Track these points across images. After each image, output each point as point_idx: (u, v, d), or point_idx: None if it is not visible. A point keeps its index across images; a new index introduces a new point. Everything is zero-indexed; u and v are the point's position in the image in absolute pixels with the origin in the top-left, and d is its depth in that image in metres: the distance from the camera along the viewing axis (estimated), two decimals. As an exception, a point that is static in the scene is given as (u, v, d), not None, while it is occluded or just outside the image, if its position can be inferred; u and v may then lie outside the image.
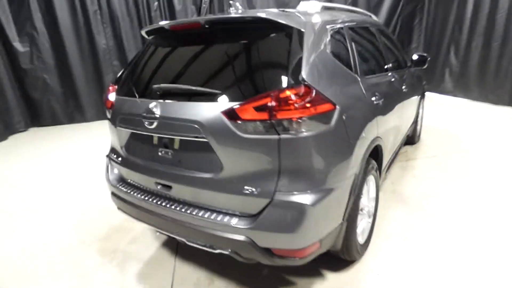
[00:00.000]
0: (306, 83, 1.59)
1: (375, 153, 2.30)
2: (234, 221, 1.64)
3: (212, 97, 1.65)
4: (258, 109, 1.51)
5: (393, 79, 2.80)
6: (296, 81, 1.58)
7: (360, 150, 1.89)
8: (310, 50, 1.73)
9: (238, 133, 1.55)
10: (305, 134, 1.54)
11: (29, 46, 6.00)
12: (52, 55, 6.14)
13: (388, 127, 2.51)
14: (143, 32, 2.20)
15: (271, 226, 1.57)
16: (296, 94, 1.53)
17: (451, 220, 2.64)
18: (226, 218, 1.67)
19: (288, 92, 1.52)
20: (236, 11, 2.20)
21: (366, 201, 2.21)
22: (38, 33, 5.96)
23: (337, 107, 1.70)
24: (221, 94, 1.64)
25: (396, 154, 3.27)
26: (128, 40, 6.35)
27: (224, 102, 1.60)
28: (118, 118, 2.05)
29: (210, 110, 1.61)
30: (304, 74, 1.61)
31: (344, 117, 1.74)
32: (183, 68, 1.87)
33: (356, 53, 2.21)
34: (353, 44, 2.22)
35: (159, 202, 1.90)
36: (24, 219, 3.12)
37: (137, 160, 2.03)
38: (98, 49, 6.24)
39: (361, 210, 2.14)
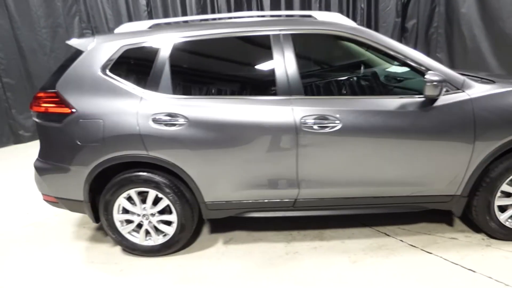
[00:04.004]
0: (52, 90, 2.28)
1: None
2: None
3: None
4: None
5: (256, 105, 2.20)
6: (49, 87, 2.32)
7: (95, 152, 2.23)
8: (79, 65, 2.29)
9: None
10: (39, 122, 2.33)
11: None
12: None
13: (212, 158, 2.24)
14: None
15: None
16: (41, 96, 2.31)
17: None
18: None
19: (38, 94, 2.33)
20: None
21: (140, 210, 2.39)
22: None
23: (75, 113, 2.23)
24: None
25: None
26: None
27: None
28: None
29: None
30: (58, 83, 2.29)
31: (79, 122, 2.22)
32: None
33: (164, 71, 2.23)
34: (165, 61, 2.24)
35: None
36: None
37: None
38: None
39: (132, 213, 2.42)
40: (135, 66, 2.35)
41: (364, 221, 2.73)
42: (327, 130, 2.14)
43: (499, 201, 2.29)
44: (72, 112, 2.24)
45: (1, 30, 5.24)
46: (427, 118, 2.13)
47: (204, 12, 6.83)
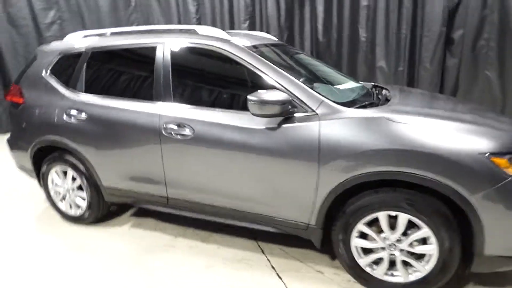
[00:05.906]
0: (17, 84, 3.02)
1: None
2: None
3: None
4: None
5: (137, 108, 2.48)
6: (16, 82, 3.07)
7: (32, 134, 2.86)
8: (34, 66, 2.96)
9: None
10: (10, 108, 3.10)
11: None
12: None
13: (108, 147, 2.62)
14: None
15: None
16: (12, 88, 3.07)
17: None
18: None
19: (11, 87, 3.09)
20: None
21: (61, 183, 2.94)
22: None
23: (25, 102, 2.93)
24: None
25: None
26: (380, 34, 6.17)
27: None
28: None
29: None
30: (22, 79, 3.01)
31: (26, 110, 2.91)
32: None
33: (80, 73, 2.73)
34: (84, 65, 2.71)
35: None
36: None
37: None
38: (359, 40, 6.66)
39: (57, 185, 2.98)
40: (65, 69, 2.87)
41: (255, 234, 2.71)
42: (182, 137, 2.29)
43: (357, 242, 2.04)
44: (23, 102, 2.94)
45: (77, 34, 6.63)
46: (272, 137, 2.07)
47: (252, 20, 7.15)
